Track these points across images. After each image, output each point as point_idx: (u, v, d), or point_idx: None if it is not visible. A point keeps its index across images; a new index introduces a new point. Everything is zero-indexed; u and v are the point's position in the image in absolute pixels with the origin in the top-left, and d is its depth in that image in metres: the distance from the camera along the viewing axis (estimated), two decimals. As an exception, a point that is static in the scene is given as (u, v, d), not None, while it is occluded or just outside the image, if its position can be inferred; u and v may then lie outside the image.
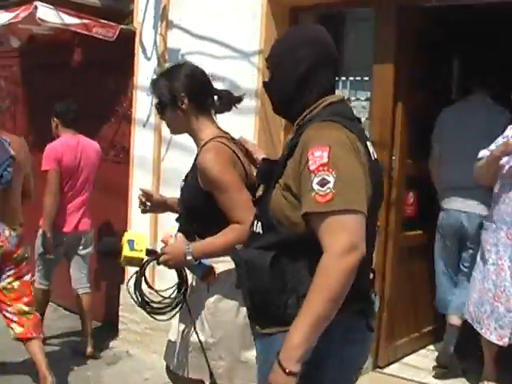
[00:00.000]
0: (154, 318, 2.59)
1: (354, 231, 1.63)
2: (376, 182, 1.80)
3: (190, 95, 2.50)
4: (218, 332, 2.47)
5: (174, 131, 2.66)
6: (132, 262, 2.50)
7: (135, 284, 2.53)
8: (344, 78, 4.22)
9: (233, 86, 4.11)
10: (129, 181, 4.75)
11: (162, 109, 2.58)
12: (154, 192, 3.12)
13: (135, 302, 2.56)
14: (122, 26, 4.74)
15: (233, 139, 2.57)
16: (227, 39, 4.21)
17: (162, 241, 2.54)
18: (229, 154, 2.43)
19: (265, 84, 2.01)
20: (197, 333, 2.48)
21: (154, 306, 2.55)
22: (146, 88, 4.58)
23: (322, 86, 1.87)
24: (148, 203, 2.87)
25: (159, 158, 4.59)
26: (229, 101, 2.61)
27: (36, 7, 4.49)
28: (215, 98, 2.61)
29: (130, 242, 2.45)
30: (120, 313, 4.89)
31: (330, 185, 1.63)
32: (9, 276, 3.68)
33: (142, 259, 2.48)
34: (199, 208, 2.45)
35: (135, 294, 2.53)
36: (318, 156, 1.66)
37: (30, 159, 3.88)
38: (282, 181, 1.79)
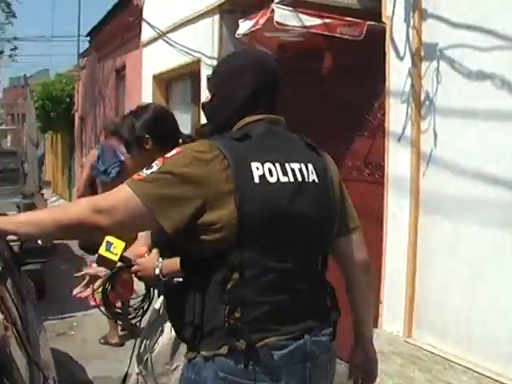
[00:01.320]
0: (116, 322, 3.04)
1: (119, 204, 1.72)
2: (260, 205, 1.72)
3: (153, 137, 2.64)
4: (176, 361, 2.72)
5: (137, 170, 2.51)
6: (105, 262, 2.60)
7: (104, 287, 2.72)
8: None
9: (504, 84, 3.31)
10: (383, 203, 4.21)
11: (128, 147, 2.74)
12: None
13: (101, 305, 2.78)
14: (370, 23, 4.20)
15: None
16: (496, 26, 3.38)
17: (138, 254, 2.69)
18: None
19: (203, 105, 2.00)
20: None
21: (117, 311, 2.86)
22: (400, 93, 4.01)
23: (259, 107, 1.89)
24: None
25: (417, 177, 3.95)
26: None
27: (273, 11, 4.25)
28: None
29: (108, 244, 2.57)
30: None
31: (149, 172, 1.74)
32: None
33: (115, 262, 2.60)
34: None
35: (103, 297, 2.73)
36: (171, 152, 1.79)
37: None
38: None
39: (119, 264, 2.65)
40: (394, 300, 4.12)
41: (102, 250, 2.58)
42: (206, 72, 6.93)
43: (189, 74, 7.86)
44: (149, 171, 1.75)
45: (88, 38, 14.06)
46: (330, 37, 4.42)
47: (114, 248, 2.57)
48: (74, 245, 7.90)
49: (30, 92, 8.38)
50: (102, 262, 2.60)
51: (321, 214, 1.87)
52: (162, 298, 2.88)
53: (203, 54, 7.02)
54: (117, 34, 11.29)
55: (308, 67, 5.01)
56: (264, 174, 1.77)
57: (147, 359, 2.83)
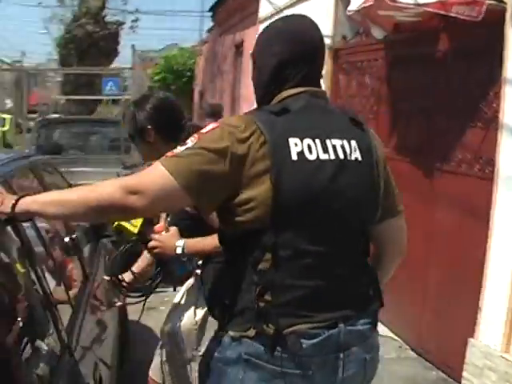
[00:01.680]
0: (128, 296, 2.77)
1: (153, 184, 1.65)
2: (298, 183, 1.66)
3: (156, 128, 2.55)
4: (203, 346, 2.51)
5: (145, 160, 2.68)
6: (122, 232, 2.50)
7: (115, 257, 2.66)
8: None
9: None
10: (491, 200, 3.89)
11: (131, 139, 2.68)
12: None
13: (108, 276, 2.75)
14: (489, 2, 3.84)
15: None
16: None
17: (155, 230, 2.52)
18: None
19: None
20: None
21: (125, 285, 2.67)
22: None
23: (288, 79, 1.81)
24: None
25: (531, 174, 3.61)
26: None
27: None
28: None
29: None
30: (464, 373, 4.05)
31: (184, 148, 1.68)
32: None
33: (133, 235, 2.49)
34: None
35: (111, 268, 2.70)
36: (207, 127, 1.72)
37: None
38: None
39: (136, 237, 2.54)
40: (493, 310, 3.81)
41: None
42: (318, 51, 6.76)
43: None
44: (183, 147, 1.68)
45: (210, 14, 14.20)
46: (446, 18, 4.11)
47: (134, 220, 2.48)
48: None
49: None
50: (120, 231, 2.51)
51: (363, 194, 1.78)
52: (183, 290, 2.85)
53: (317, 32, 6.84)
54: (237, 9, 11.34)
55: (422, 50, 4.71)
56: (303, 151, 1.68)
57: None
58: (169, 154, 1.69)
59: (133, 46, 7.23)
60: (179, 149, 1.68)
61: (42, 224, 2.45)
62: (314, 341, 1.69)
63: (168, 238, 2.49)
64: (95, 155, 8.70)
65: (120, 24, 14.38)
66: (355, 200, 1.75)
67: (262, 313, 1.67)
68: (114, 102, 10.08)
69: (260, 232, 1.66)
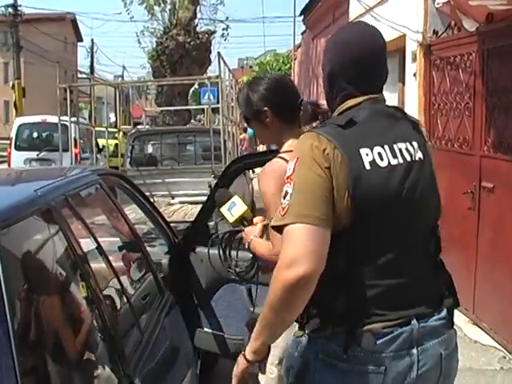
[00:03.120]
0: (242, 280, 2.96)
1: (298, 246, 1.67)
2: (373, 191, 1.74)
3: (273, 109, 2.47)
4: None
5: (262, 142, 2.95)
6: (223, 219, 2.67)
7: (226, 246, 2.85)
8: None
9: None
10: None
11: (247, 121, 2.66)
12: None
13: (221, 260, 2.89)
14: None
15: None
16: None
17: (253, 222, 2.56)
18: (279, 172, 2.21)
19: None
20: None
21: (237, 270, 2.87)
22: None
23: (343, 88, 1.89)
24: None
25: None
26: (313, 114, 2.44)
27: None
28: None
29: (232, 204, 2.57)
30: None
31: (288, 197, 1.73)
32: None
33: (230, 224, 2.64)
34: None
35: (224, 254, 2.85)
36: (288, 167, 1.79)
37: None
38: None
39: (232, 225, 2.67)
40: None
41: (223, 208, 2.59)
42: (410, 48, 6.53)
43: (394, 51, 7.47)
44: (286, 199, 1.74)
45: (301, 18, 14.13)
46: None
47: (234, 209, 2.55)
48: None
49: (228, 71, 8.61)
50: (222, 218, 2.68)
51: (430, 193, 1.89)
52: None
53: (408, 29, 6.60)
54: (328, 11, 11.21)
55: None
56: (374, 160, 1.77)
57: None
58: (281, 212, 1.73)
59: (218, 53, 7.20)
60: (286, 201, 1.73)
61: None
62: (388, 338, 1.75)
63: (249, 231, 2.52)
64: (188, 165, 8.82)
65: (212, 33, 14.59)
66: (425, 199, 1.85)
67: (337, 312, 1.76)
68: (214, 110, 10.27)
69: (339, 235, 1.73)
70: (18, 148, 12.57)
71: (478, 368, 4.41)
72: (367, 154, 1.76)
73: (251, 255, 2.72)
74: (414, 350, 1.78)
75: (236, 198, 2.58)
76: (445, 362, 1.85)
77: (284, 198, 1.74)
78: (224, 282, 3.35)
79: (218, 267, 3.09)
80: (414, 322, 1.78)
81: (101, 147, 10.93)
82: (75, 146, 9.77)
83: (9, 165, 12.73)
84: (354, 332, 1.74)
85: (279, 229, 1.74)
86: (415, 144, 1.87)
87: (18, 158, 12.09)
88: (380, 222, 1.77)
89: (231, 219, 2.55)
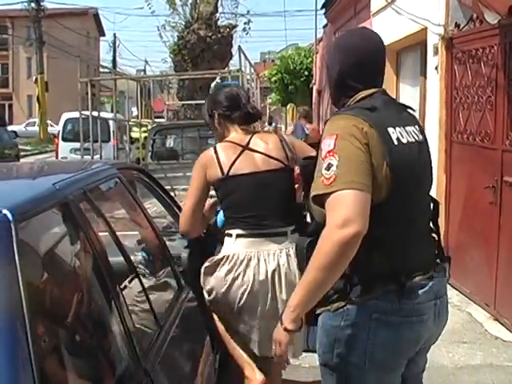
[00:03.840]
0: None
1: (350, 207, 1.87)
2: (402, 163, 2.02)
3: (220, 113, 3.21)
4: None
5: (217, 139, 3.33)
6: None
7: None
8: None
9: None
10: None
11: (209, 127, 3.47)
12: None
13: None
14: None
15: (240, 145, 3.11)
16: None
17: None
18: (204, 159, 3.12)
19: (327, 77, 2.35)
20: None
21: None
22: None
23: (352, 85, 2.18)
24: None
25: None
26: (249, 116, 3.23)
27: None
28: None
29: None
30: None
31: (334, 168, 1.93)
32: None
33: None
34: None
35: None
36: (326, 144, 2.00)
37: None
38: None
39: None
40: None
41: None
42: (432, 41, 6.47)
43: (416, 44, 7.41)
44: (331, 170, 1.93)
45: (323, 11, 14.04)
46: None
47: None
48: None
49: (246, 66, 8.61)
50: None
51: (430, 170, 2.24)
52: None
53: (430, 22, 6.53)
54: (349, 4, 11.14)
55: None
56: (398, 137, 2.06)
57: None
58: (327, 180, 1.92)
59: (239, 47, 7.18)
60: (332, 171, 1.92)
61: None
62: (425, 289, 2.08)
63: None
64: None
65: (233, 27, 14.55)
66: (428, 175, 2.22)
67: (385, 273, 2.01)
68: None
69: (379, 205, 1.95)
70: (64, 139, 14.64)
71: (499, 364, 4.38)
72: (393, 132, 2.05)
73: None
74: (438, 301, 2.13)
75: None
76: (447, 312, 2.25)
77: (328, 169, 1.93)
78: None
79: None
80: (435, 274, 2.13)
81: (133, 140, 11.83)
82: (114, 138, 10.99)
83: (57, 154, 14.84)
84: (404, 287, 2.01)
85: (321, 198, 1.93)
86: (417, 128, 2.20)
87: (65, 148, 14.16)
88: (409, 192, 2.05)
89: None
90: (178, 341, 2.48)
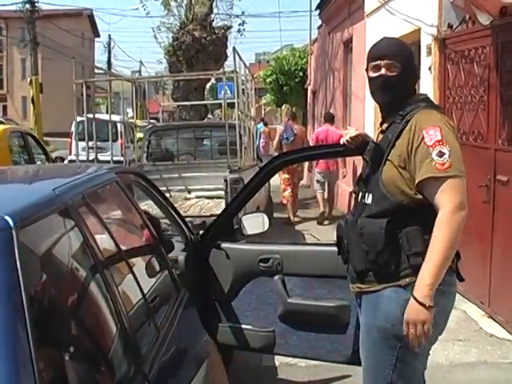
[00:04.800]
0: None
1: (463, 193, 2.29)
2: None
3: None
4: None
5: None
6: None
7: None
8: None
9: None
10: None
11: None
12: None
13: None
14: None
15: None
16: None
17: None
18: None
19: (392, 77, 2.47)
20: None
21: None
22: None
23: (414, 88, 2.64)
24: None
25: None
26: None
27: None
28: None
29: None
30: None
31: (446, 156, 2.29)
32: None
33: None
34: None
35: None
36: (432, 134, 2.32)
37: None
38: (391, 158, 2.41)
39: None
40: None
41: None
42: (425, 42, 6.51)
43: (409, 44, 7.43)
44: (444, 157, 2.28)
45: (317, 12, 14.05)
46: None
47: None
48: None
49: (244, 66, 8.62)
50: None
51: None
52: None
53: (423, 23, 6.58)
54: (343, 5, 11.16)
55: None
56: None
57: None
58: (443, 167, 2.26)
59: (234, 48, 7.19)
60: (445, 158, 2.27)
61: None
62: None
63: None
64: (204, 160, 8.82)
65: (228, 28, 14.55)
66: None
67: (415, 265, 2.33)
68: (230, 105, 10.28)
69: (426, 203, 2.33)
70: (78, 139, 14.52)
71: (494, 361, 4.42)
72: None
73: None
74: None
75: None
76: None
77: (440, 156, 2.27)
78: (252, 276, 3.38)
79: (249, 262, 3.30)
80: None
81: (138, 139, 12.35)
82: (121, 138, 12.02)
83: (70, 153, 15.88)
84: (458, 263, 2.47)
85: (429, 180, 2.27)
86: None
87: (77, 147, 14.07)
88: None
89: None
90: (175, 344, 2.49)
